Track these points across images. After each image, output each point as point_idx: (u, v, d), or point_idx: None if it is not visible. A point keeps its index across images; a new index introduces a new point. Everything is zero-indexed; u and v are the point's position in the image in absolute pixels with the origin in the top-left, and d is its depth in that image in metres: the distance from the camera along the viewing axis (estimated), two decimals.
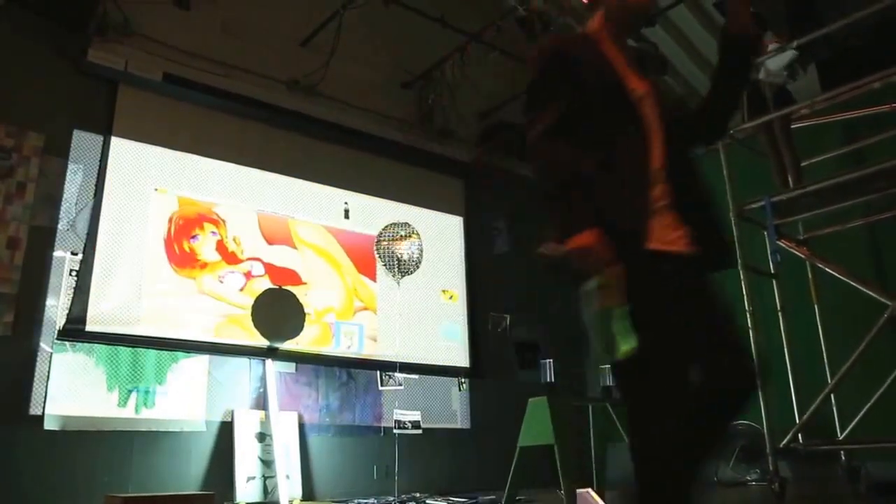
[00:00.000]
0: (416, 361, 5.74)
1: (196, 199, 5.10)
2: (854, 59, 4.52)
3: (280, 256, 5.37)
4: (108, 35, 4.85)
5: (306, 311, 5.23)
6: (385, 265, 5.11)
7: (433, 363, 5.94)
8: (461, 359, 6.18)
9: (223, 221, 5.18)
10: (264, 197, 5.43)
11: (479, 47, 5.94)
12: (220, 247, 5.12)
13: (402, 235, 5.03)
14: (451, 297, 6.28)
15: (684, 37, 6.78)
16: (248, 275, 5.17)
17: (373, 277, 5.78)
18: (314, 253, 5.57)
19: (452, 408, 6.02)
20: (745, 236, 4.23)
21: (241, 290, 5.10)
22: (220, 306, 4.98)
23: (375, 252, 5.18)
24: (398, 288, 5.14)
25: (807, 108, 4.55)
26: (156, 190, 4.93)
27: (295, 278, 5.38)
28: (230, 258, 5.13)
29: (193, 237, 5.01)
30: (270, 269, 5.27)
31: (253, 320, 4.80)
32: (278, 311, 4.95)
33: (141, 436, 4.46)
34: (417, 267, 5.06)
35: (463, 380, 6.12)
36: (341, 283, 5.64)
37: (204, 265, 5.00)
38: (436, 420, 5.80)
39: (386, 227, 5.18)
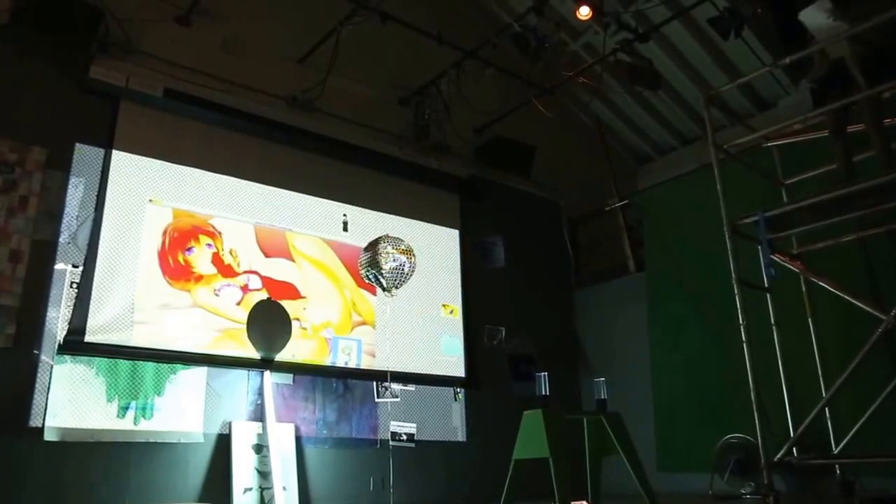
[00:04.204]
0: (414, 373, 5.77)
1: (192, 211, 5.14)
2: (848, 74, 4.54)
3: (277, 269, 5.38)
4: (109, 52, 4.96)
5: (303, 325, 5.26)
6: (371, 282, 5.08)
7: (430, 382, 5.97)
8: (459, 371, 6.20)
9: (219, 234, 5.21)
10: (262, 209, 5.46)
11: (474, 63, 6.02)
12: (216, 259, 5.14)
13: (378, 250, 4.90)
14: (451, 312, 6.30)
15: (678, 52, 6.85)
16: (245, 288, 5.18)
17: (372, 291, 5.80)
18: (312, 266, 5.60)
19: (449, 420, 6.04)
20: (739, 251, 4.25)
21: (238, 303, 5.12)
22: (215, 320, 5.00)
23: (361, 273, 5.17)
24: (392, 301, 5.11)
25: (799, 124, 4.59)
26: (150, 201, 4.98)
27: (293, 292, 5.40)
28: (226, 271, 5.15)
29: (189, 249, 5.04)
30: (268, 282, 5.29)
31: (248, 335, 4.84)
32: (269, 324, 4.98)
33: (139, 447, 4.50)
34: (404, 280, 4.97)
35: (458, 390, 6.13)
36: (339, 297, 5.67)
37: (199, 278, 5.03)
38: (432, 432, 5.82)
39: (367, 244, 5.04)
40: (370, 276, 4.90)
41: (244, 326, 4.90)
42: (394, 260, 4.82)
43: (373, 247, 4.89)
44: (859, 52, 3.89)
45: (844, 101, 3.94)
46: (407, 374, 5.76)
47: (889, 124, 4.46)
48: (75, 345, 4.43)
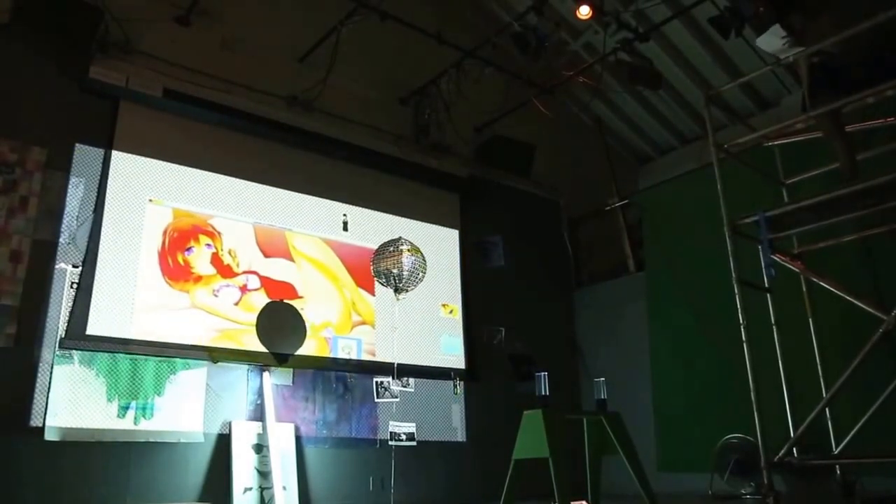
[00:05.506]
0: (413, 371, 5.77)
1: (192, 211, 5.14)
2: (848, 74, 4.53)
3: (277, 269, 5.39)
4: (109, 52, 4.97)
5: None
6: (383, 283, 5.06)
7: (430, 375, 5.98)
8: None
9: (219, 234, 5.22)
10: (261, 209, 5.46)
11: (474, 63, 6.02)
12: (216, 260, 5.14)
13: (401, 251, 4.92)
14: (451, 312, 6.29)
15: (679, 52, 6.84)
16: (244, 288, 5.19)
17: (371, 291, 5.81)
18: (312, 266, 5.59)
19: (449, 420, 6.04)
20: (739, 251, 4.24)
21: (237, 304, 5.12)
22: (214, 321, 5.00)
23: (372, 270, 5.16)
24: (396, 302, 5.12)
25: (801, 123, 4.58)
26: (150, 201, 4.98)
27: (291, 292, 5.41)
28: (225, 271, 5.15)
29: (188, 249, 5.04)
30: (267, 282, 5.29)
31: (258, 334, 4.83)
32: (282, 324, 4.98)
33: (139, 447, 4.50)
34: (416, 283, 4.96)
35: (458, 381, 6.11)
36: (339, 297, 5.67)
37: (198, 278, 5.03)
38: (432, 432, 5.82)
39: (382, 245, 5.06)
40: (384, 278, 4.89)
41: (242, 327, 4.91)
42: (411, 263, 4.83)
43: (393, 247, 4.90)
44: (816, 64, 3.92)
45: (826, 108, 3.95)
46: (412, 366, 5.76)
47: (889, 124, 4.47)
48: (75, 345, 4.43)
